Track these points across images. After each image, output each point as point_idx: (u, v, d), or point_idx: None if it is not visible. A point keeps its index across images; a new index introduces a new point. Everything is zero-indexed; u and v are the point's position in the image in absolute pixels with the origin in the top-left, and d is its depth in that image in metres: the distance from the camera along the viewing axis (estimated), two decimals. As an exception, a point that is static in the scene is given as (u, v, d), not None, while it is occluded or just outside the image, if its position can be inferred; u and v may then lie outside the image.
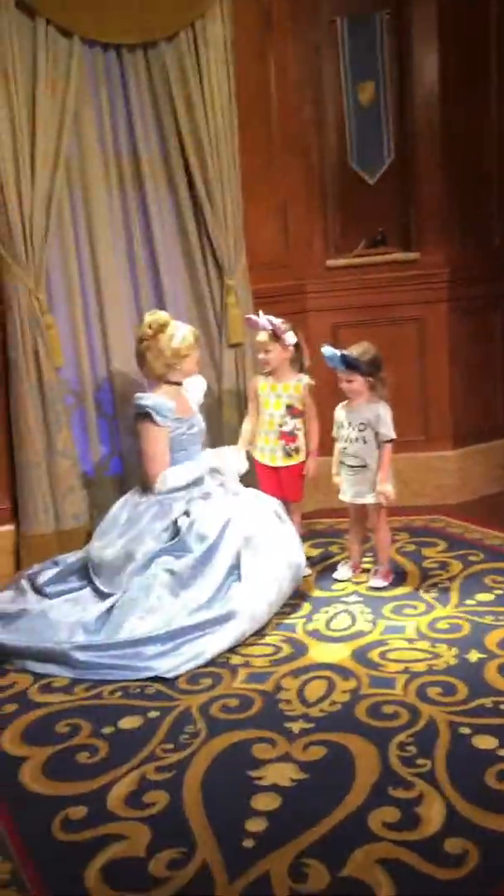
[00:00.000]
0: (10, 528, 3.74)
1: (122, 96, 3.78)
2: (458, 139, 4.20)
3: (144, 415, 3.33)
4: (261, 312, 3.54)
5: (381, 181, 4.27)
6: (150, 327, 3.38)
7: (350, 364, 3.29)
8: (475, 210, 4.32)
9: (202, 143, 3.84)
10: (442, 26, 4.05)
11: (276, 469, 3.63)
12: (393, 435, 3.35)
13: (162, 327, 3.38)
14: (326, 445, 3.61)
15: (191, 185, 3.92)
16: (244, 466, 3.55)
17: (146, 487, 3.40)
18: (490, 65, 4.23)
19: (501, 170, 4.38)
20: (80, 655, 2.90)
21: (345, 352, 3.30)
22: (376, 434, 3.35)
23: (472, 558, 3.64)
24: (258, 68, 4.09)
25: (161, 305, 3.95)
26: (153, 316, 3.42)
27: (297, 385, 3.57)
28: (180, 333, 3.40)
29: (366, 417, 3.36)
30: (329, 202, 4.32)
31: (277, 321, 3.48)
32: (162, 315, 3.43)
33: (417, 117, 4.16)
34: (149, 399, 3.35)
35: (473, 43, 4.17)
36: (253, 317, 3.56)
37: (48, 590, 3.33)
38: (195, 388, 3.62)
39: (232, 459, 3.53)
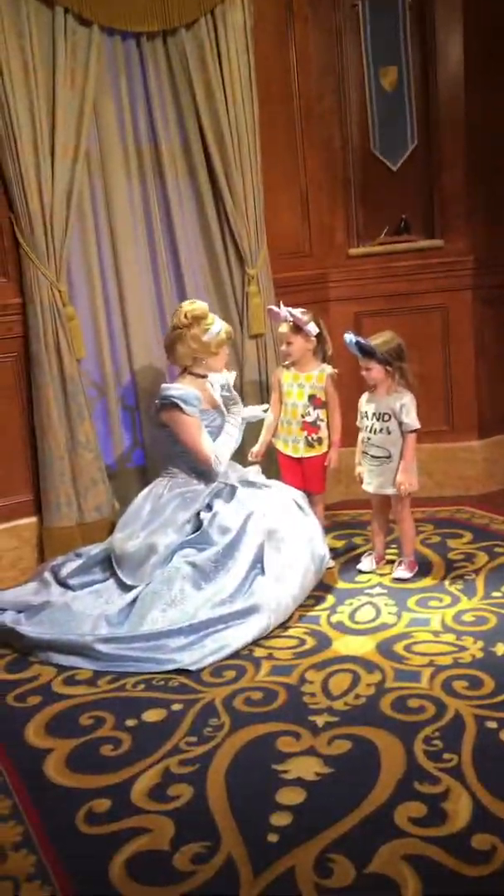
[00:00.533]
0: (33, 520, 3.76)
1: (141, 85, 3.76)
2: (482, 125, 4.13)
3: (172, 405, 3.31)
4: (281, 304, 3.51)
5: (404, 168, 4.22)
6: (186, 316, 3.35)
7: (365, 351, 3.26)
8: (499, 197, 4.25)
9: (222, 132, 3.81)
10: (466, 11, 3.98)
11: (298, 460, 3.60)
12: (417, 425, 3.31)
13: (198, 318, 3.35)
14: (351, 436, 3.57)
15: (211, 173, 3.89)
16: (265, 415, 3.56)
17: (171, 475, 3.38)
18: (514, 48, 4.15)
19: (526, 155, 4.31)
20: (104, 648, 2.90)
21: (360, 338, 3.27)
22: (400, 424, 3.31)
23: (497, 549, 3.59)
24: (279, 55, 4.05)
25: (182, 296, 3.94)
26: (192, 305, 3.40)
27: (319, 375, 3.54)
28: (215, 329, 3.37)
29: (389, 407, 3.32)
30: (351, 190, 4.28)
31: (298, 312, 3.44)
32: (201, 305, 3.40)
33: (441, 103, 4.09)
34: (175, 389, 3.33)
35: (497, 28, 4.09)
36: (274, 308, 3.53)
37: (71, 582, 3.34)
38: (220, 381, 3.59)
39: (253, 410, 3.56)
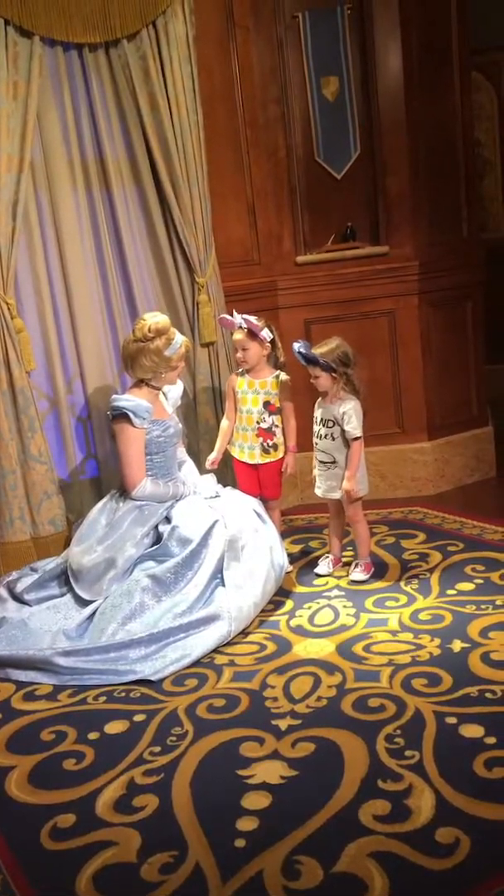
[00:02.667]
0: (-14, 535, 3.70)
1: (85, 97, 3.75)
2: (424, 131, 4.22)
3: (121, 416, 3.30)
4: (234, 311, 3.53)
5: (349, 175, 4.28)
6: (150, 330, 3.33)
7: (308, 359, 3.30)
8: (443, 201, 4.35)
9: (168, 143, 3.82)
10: (404, 18, 4.06)
11: (254, 466, 3.62)
12: (358, 433, 3.34)
13: (161, 332, 3.34)
14: (307, 442, 3.61)
15: (158, 184, 3.90)
16: (217, 491, 3.50)
17: (124, 490, 3.38)
18: (452, 55, 4.25)
19: (467, 160, 4.41)
20: (63, 661, 2.87)
21: (301, 348, 3.30)
22: (343, 431, 3.35)
23: (451, 548, 3.66)
24: (222, 65, 4.08)
25: (132, 306, 3.94)
26: (155, 318, 3.37)
27: (273, 381, 3.57)
28: (176, 343, 3.36)
29: (333, 414, 3.36)
30: (297, 198, 4.32)
31: (253, 318, 3.47)
32: (163, 318, 3.38)
33: (382, 110, 4.17)
34: (126, 401, 3.32)
35: (435, 34, 4.19)
36: (227, 316, 3.55)
37: (28, 597, 3.30)
38: (173, 390, 3.60)
39: (206, 487, 3.50)
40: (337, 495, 3.43)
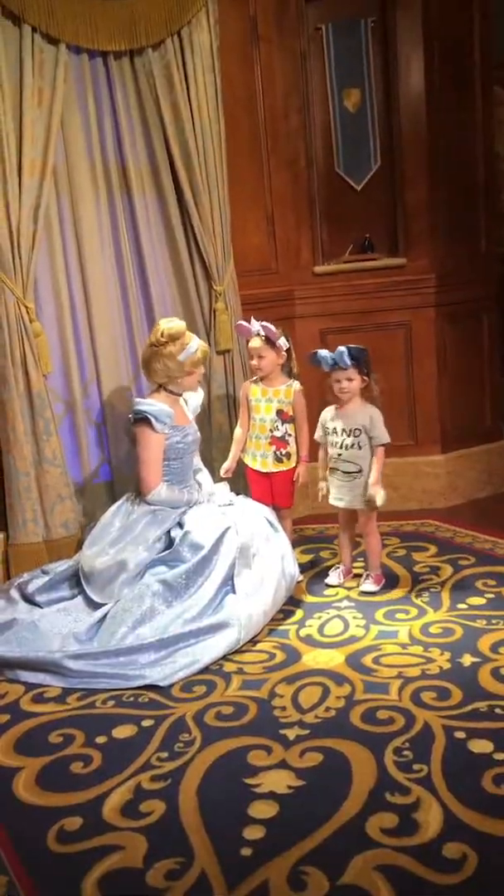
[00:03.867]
0: (-1, 537, 3.72)
1: (109, 104, 3.78)
2: (444, 144, 4.24)
3: (143, 420, 3.32)
4: (253, 318, 3.54)
5: (368, 187, 4.30)
6: (162, 335, 3.35)
7: (356, 357, 3.28)
8: (461, 215, 4.35)
9: (189, 151, 3.85)
10: (426, 32, 4.08)
11: (267, 475, 3.63)
12: (387, 439, 3.35)
13: (174, 337, 3.35)
14: (316, 451, 3.62)
15: (178, 192, 3.93)
16: (231, 500, 3.51)
17: (139, 494, 3.39)
18: (474, 70, 4.27)
19: (487, 175, 4.42)
20: (73, 664, 2.88)
21: (350, 345, 3.29)
22: (370, 438, 3.35)
23: (462, 562, 3.65)
24: (245, 76, 4.11)
25: (150, 312, 3.96)
26: (169, 323, 3.39)
27: (287, 390, 3.58)
28: (191, 348, 3.37)
29: (359, 423, 3.36)
30: (316, 208, 4.34)
31: (271, 326, 3.48)
32: (178, 324, 3.40)
33: (403, 123, 4.19)
34: (149, 405, 3.33)
35: (457, 49, 4.21)
36: (244, 322, 3.56)
37: (39, 599, 3.31)
38: (193, 398, 3.61)
39: (220, 495, 3.51)
40: (359, 506, 3.42)
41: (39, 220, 3.55)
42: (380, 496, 3.33)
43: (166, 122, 3.81)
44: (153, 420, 3.29)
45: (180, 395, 3.50)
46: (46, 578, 3.39)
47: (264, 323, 3.49)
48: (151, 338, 3.39)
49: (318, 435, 3.50)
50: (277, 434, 3.57)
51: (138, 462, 3.37)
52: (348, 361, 3.28)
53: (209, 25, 3.81)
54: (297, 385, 3.59)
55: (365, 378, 3.34)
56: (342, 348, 3.28)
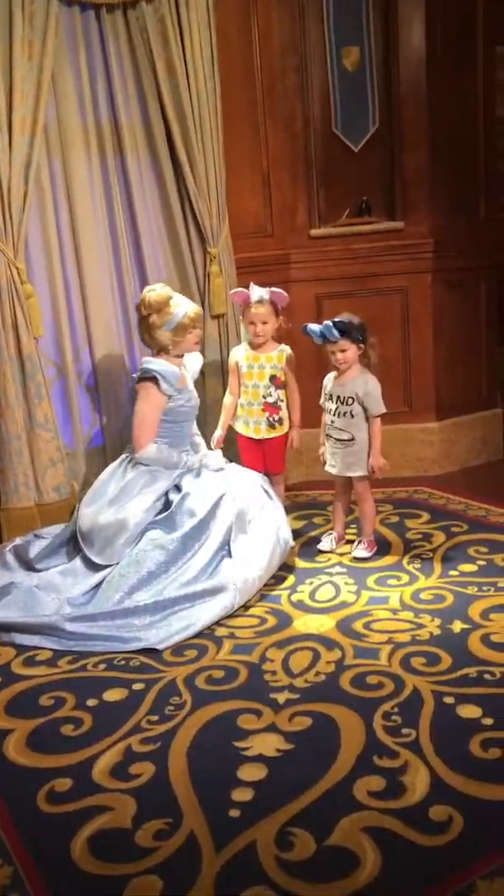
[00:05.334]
0: (-9, 501, 3.71)
1: (101, 59, 3.69)
2: (444, 107, 4.16)
3: (150, 378, 3.29)
4: (253, 284, 3.49)
5: (366, 149, 4.23)
6: (146, 305, 3.31)
7: (343, 330, 3.25)
8: (461, 180, 4.29)
9: (184, 109, 3.77)
10: (428, -9, 3.98)
11: (259, 441, 3.61)
12: (383, 409, 3.33)
13: (156, 306, 3.31)
14: (312, 416, 3.60)
15: (172, 151, 3.86)
16: (223, 465, 3.49)
17: (132, 450, 3.37)
18: (476, 32, 4.18)
19: (487, 139, 4.35)
20: (70, 626, 2.88)
21: (336, 319, 3.26)
22: (364, 408, 3.33)
23: (454, 529, 3.65)
24: (241, 33, 4.01)
25: (143, 274, 3.91)
26: (151, 293, 3.34)
27: (279, 356, 3.55)
28: (177, 317, 3.33)
29: (353, 392, 3.33)
30: (313, 170, 4.27)
31: (281, 291, 3.45)
32: (160, 293, 3.34)
33: (403, 84, 4.10)
34: (158, 364, 3.32)
35: (460, 8, 4.11)
36: (243, 289, 3.51)
37: (39, 565, 3.30)
38: (192, 362, 3.58)
39: (213, 460, 3.49)
40: (354, 473, 3.41)
41: (30, 180, 3.48)
42: (382, 467, 3.32)
43: (160, 80, 3.73)
44: (160, 379, 3.27)
45: (181, 357, 3.46)
46: (45, 542, 3.38)
47: (273, 289, 3.45)
48: (139, 308, 3.36)
49: (321, 400, 3.48)
50: (270, 400, 3.55)
51: (135, 417, 3.35)
52: (337, 334, 3.25)
53: (205, -22, 3.71)
54: (288, 350, 3.57)
55: (361, 346, 3.31)
56: (328, 322, 3.25)
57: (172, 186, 3.89)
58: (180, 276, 4.01)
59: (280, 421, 3.59)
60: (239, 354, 3.60)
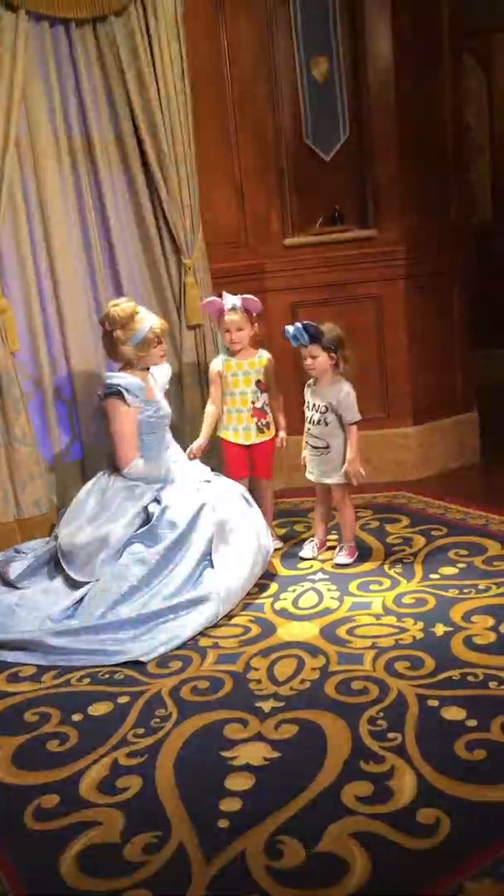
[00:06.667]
0: (-31, 517, 3.68)
1: (71, 73, 3.69)
2: (413, 114, 4.20)
3: (115, 393, 3.29)
4: (224, 293, 3.51)
5: (337, 158, 4.26)
6: (111, 320, 3.30)
7: (313, 336, 3.27)
8: (431, 186, 4.33)
9: (155, 121, 3.78)
10: (395, 1, 4.01)
11: (248, 447, 3.62)
12: (357, 417, 3.35)
13: (120, 322, 3.30)
14: (290, 424, 3.62)
15: (145, 163, 3.87)
16: (208, 477, 3.49)
17: (114, 468, 3.37)
18: (443, 40, 4.22)
19: (456, 145, 4.40)
20: (53, 641, 2.87)
21: (303, 324, 3.28)
22: (338, 416, 3.34)
23: (434, 533, 3.68)
24: (210, 44, 4.03)
25: (118, 287, 3.91)
26: (115, 308, 3.32)
27: (261, 360, 3.58)
28: (141, 333, 3.31)
29: (328, 400, 3.35)
30: (286, 180, 4.29)
31: (252, 297, 3.46)
32: (124, 307, 3.32)
33: (372, 92, 4.14)
34: (121, 378, 3.31)
35: (426, 17, 4.15)
36: (215, 298, 3.53)
37: (20, 585, 3.28)
38: (161, 373, 3.58)
39: (198, 471, 3.49)
40: (330, 480, 3.43)
41: (2, 194, 3.47)
42: (356, 474, 3.34)
43: (131, 93, 3.74)
44: (125, 393, 3.26)
45: (147, 369, 3.47)
46: (27, 563, 3.35)
47: (245, 296, 3.47)
48: (104, 322, 3.34)
49: (304, 407, 3.50)
50: (258, 405, 3.58)
51: (112, 437, 3.34)
52: (306, 337, 3.26)
53: (173, -9, 3.73)
54: (267, 354, 3.60)
55: (332, 356, 3.32)
56: (298, 324, 3.27)
57: (146, 198, 3.90)
58: (155, 287, 4.01)
59: (267, 425, 3.62)
60: (220, 364, 3.61)
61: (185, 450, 3.64)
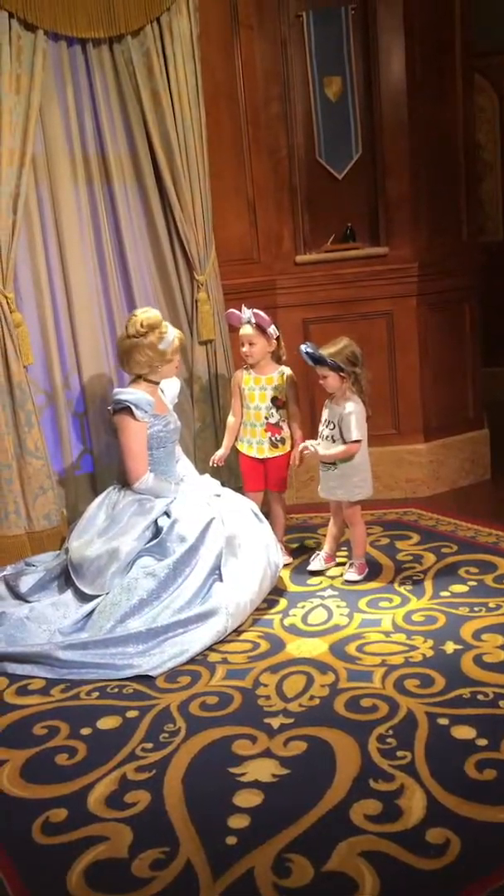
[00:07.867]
0: (-19, 529, 3.70)
1: (88, 92, 3.75)
2: (425, 133, 4.23)
3: (124, 409, 3.31)
4: (244, 306, 3.54)
5: (350, 176, 4.29)
6: (142, 325, 3.34)
7: (315, 359, 3.30)
8: (443, 204, 4.35)
9: (170, 139, 3.83)
10: (407, 20, 4.07)
11: (262, 461, 3.64)
12: (356, 436, 3.33)
13: (153, 327, 3.35)
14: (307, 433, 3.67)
15: (159, 180, 3.91)
16: (219, 491, 3.52)
17: (124, 483, 3.38)
18: (455, 58, 4.26)
19: (468, 163, 4.43)
20: (63, 654, 2.88)
21: (309, 348, 3.31)
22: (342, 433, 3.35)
23: (445, 550, 3.67)
24: (225, 63, 4.08)
25: (131, 302, 3.94)
26: (146, 314, 3.38)
27: (280, 377, 3.60)
28: (170, 336, 3.38)
29: (336, 416, 3.37)
30: (298, 198, 4.32)
31: (262, 313, 3.49)
32: (154, 313, 3.40)
33: (385, 112, 4.17)
34: (129, 394, 3.33)
35: (438, 36, 4.19)
36: (234, 311, 3.55)
37: (31, 599, 3.29)
38: (170, 387, 3.61)
39: (209, 485, 3.52)
40: (337, 497, 3.44)
41: (19, 210, 3.51)
42: (301, 454, 3.38)
43: (146, 111, 3.79)
44: (134, 408, 3.28)
45: (158, 384, 3.49)
46: (38, 576, 3.37)
47: (256, 310, 3.49)
48: (129, 329, 3.38)
49: None
50: (272, 421, 3.61)
51: (123, 452, 3.36)
52: (310, 361, 3.31)
53: (189, 12, 3.78)
54: (288, 371, 3.62)
55: (341, 375, 3.33)
56: (302, 347, 3.31)
57: (160, 215, 3.94)
58: (168, 303, 4.04)
59: (282, 440, 3.63)
60: (242, 376, 3.64)
61: (195, 464, 3.66)
